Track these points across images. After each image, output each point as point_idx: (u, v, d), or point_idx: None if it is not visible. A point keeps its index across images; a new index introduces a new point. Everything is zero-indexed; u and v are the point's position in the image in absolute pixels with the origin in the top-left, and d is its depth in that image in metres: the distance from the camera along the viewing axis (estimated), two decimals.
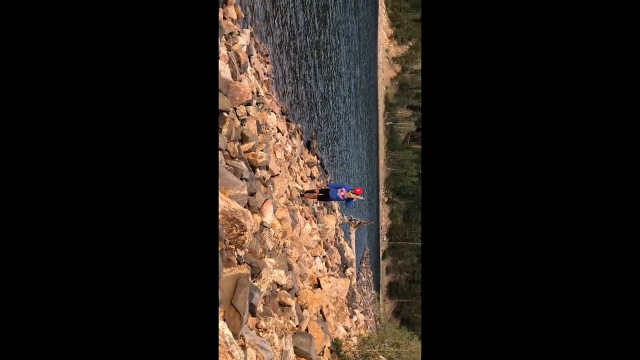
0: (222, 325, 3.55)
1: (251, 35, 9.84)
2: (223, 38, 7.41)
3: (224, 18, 8.16)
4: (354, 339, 9.25)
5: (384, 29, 74.36)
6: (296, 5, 14.52)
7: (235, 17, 8.73)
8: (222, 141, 5.56)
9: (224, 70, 6.66)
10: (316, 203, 13.03)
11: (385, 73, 72.66)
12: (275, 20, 12.23)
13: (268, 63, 11.30)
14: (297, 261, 7.69)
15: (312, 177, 14.51)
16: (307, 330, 6.22)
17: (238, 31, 8.60)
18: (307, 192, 11.50)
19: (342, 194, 10.36)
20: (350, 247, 19.71)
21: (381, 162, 64.69)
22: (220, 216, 4.24)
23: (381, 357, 9.49)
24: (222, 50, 6.93)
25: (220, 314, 3.75)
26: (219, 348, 3.18)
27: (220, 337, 3.32)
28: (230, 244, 4.41)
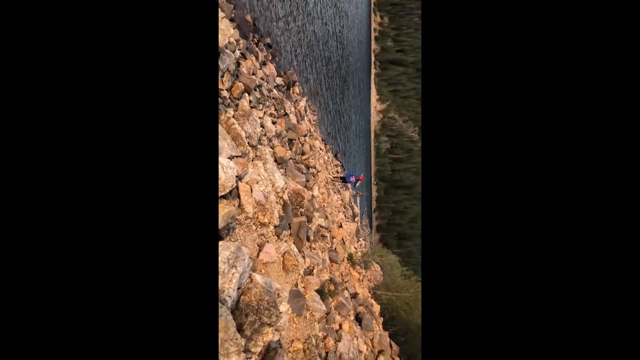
0: (292, 247, 3.50)
1: (306, 100, 9.74)
2: (292, 102, 7.35)
3: (292, 93, 8.09)
4: (359, 253, 9.15)
5: None
6: (330, 81, 14.25)
7: (298, 92, 8.68)
8: (292, 154, 5.52)
9: (292, 119, 6.65)
10: (339, 184, 12.89)
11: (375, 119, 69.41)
12: (321, 91, 12.05)
13: (315, 114, 11.17)
14: (330, 214, 7.60)
15: (338, 172, 14.32)
16: (335, 249, 6.17)
17: (298, 99, 8.56)
18: (333, 177, 11.38)
19: (353, 179, 10.28)
20: (357, 206, 19.41)
21: (372, 163, 63.00)
22: (289, 191, 4.19)
23: (373, 262, 9.40)
24: (293, 108, 6.90)
25: (291, 241, 3.70)
26: (290, 260, 3.08)
27: (290, 254, 3.26)
28: (295, 205, 4.36)
